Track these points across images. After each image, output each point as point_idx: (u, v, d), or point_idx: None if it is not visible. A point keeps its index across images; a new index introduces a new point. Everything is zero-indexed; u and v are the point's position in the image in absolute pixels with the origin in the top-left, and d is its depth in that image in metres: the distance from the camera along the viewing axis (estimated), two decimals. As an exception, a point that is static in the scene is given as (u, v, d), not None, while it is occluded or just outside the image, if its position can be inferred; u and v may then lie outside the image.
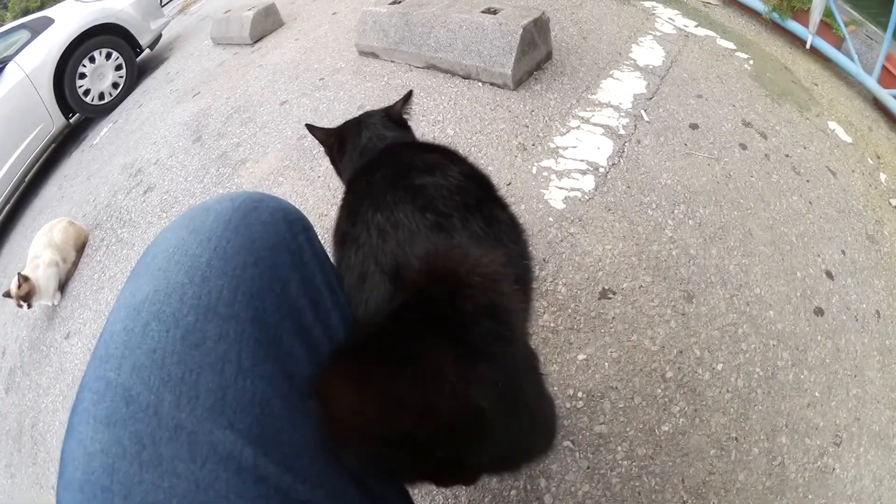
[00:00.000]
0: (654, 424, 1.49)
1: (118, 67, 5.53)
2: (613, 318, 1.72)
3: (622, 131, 2.45)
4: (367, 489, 0.69)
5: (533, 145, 2.42)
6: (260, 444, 0.56)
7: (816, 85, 3.16)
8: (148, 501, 0.47)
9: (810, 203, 2.24)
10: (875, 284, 2.04)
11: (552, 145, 2.40)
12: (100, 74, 5.36)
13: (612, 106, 2.61)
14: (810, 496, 1.44)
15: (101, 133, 5.00)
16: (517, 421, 0.75)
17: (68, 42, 5.03)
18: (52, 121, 5.04)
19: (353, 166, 1.19)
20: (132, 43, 5.70)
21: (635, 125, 2.49)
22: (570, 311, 1.75)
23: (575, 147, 2.38)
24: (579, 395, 1.55)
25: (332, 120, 3.04)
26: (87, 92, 5.24)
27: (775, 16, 3.52)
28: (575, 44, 3.14)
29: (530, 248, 1.02)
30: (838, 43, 3.35)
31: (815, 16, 3.25)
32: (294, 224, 0.74)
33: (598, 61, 2.97)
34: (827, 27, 3.36)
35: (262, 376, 0.60)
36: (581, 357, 1.63)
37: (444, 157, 1.07)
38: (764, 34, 3.59)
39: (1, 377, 2.99)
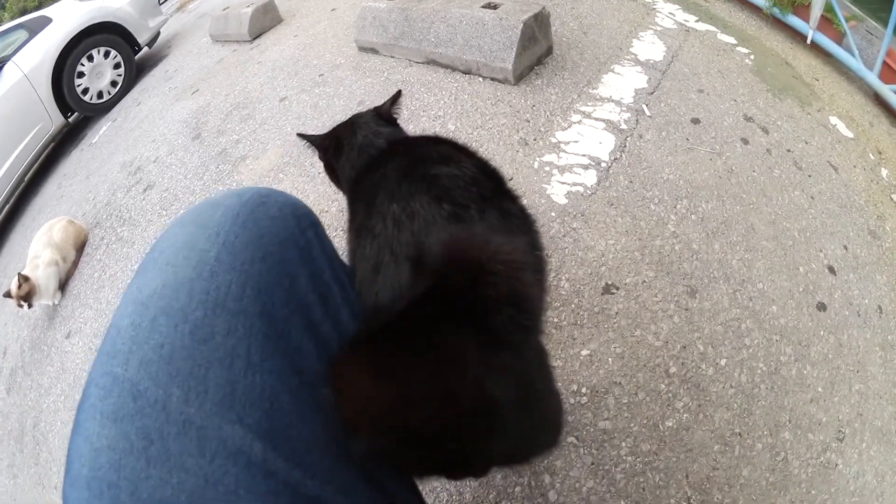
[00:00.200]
0: (657, 420, 1.49)
1: (117, 66, 5.52)
2: (617, 313, 1.72)
3: (624, 126, 2.44)
4: (376, 485, 0.69)
5: (534, 140, 2.41)
6: (269, 439, 0.55)
7: (817, 80, 3.15)
8: (155, 497, 0.47)
9: (812, 198, 2.24)
10: (877, 280, 2.04)
11: (554, 140, 2.40)
12: (98, 73, 5.34)
13: (613, 100, 2.60)
14: (813, 492, 1.44)
15: (100, 132, 4.98)
16: (529, 413, 0.74)
17: (66, 41, 5.02)
18: (51, 120, 5.04)
19: (352, 166, 1.18)
20: (130, 41, 5.69)
21: (637, 120, 2.48)
22: (573, 306, 1.74)
23: (576, 142, 2.37)
24: (583, 390, 1.54)
25: (332, 116, 3.04)
26: (85, 91, 5.23)
27: (776, 11, 3.52)
28: (575, 38, 3.13)
29: (541, 240, 1.02)
30: (839, 38, 3.35)
31: (816, 11, 3.24)
32: (302, 219, 0.74)
33: (599, 56, 2.97)
34: (828, 22, 3.36)
35: (271, 371, 0.59)
36: (585, 352, 1.63)
37: (455, 149, 1.07)
38: (764, 29, 3.58)
39: (2, 377, 2.98)
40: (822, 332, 1.79)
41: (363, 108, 2.67)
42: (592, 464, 1.41)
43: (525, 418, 0.73)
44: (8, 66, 4.75)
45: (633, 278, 1.81)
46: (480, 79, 2.90)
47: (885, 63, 3.02)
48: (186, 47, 6.07)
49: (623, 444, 1.44)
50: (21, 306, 2.87)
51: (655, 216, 2.02)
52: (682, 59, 2.95)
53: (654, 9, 3.52)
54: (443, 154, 1.01)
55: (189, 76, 4.93)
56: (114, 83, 5.51)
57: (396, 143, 1.16)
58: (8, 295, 2.86)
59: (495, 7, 2.83)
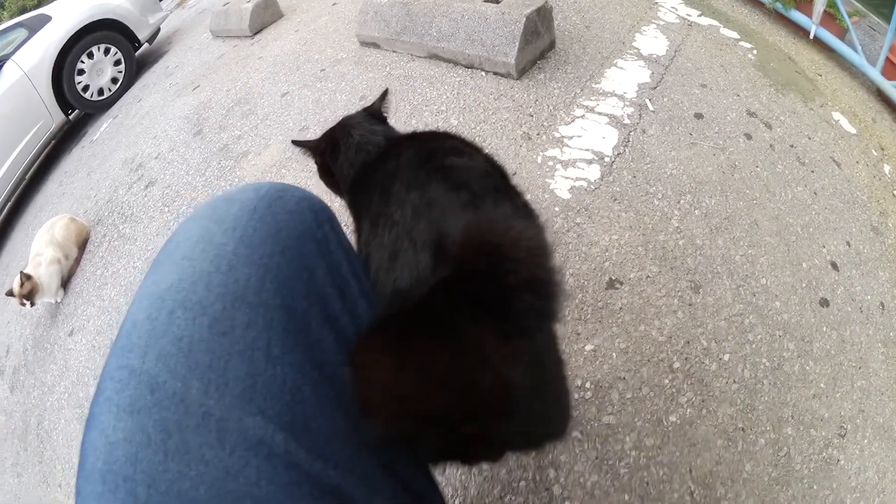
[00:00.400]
0: (661, 415, 1.49)
1: (117, 62, 5.50)
2: (621, 308, 1.72)
3: (627, 121, 2.44)
4: (395, 475, 0.69)
5: (538, 135, 2.40)
6: (290, 430, 0.55)
7: (820, 75, 3.15)
8: (174, 490, 0.46)
9: (815, 194, 2.24)
10: (880, 276, 2.04)
11: (557, 135, 2.39)
12: (98, 70, 5.33)
13: (616, 95, 2.60)
14: (815, 487, 1.44)
15: (101, 129, 4.97)
16: (543, 397, 0.75)
17: (66, 39, 5.00)
18: (52, 117, 5.03)
19: (350, 164, 1.19)
20: (130, 38, 5.66)
21: (640, 114, 2.47)
22: (577, 301, 1.74)
23: (580, 136, 2.37)
24: (587, 385, 1.55)
25: (334, 111, 3.03)
26: (86, 88, 5.22)
27: (779, 6, 3.51)
28: (578, 33, 3.12)
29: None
30: (841, 34, 3.33)
31: (819, 6, 3.24)
32: (319, 213, 0.74)
33: (602, 50, 2.96)
34: (830, 18, 3.34)
35: (291, 364, 0.59)
36: (589, 348, 1.63)
37: (464, 143, 1.08)
38: (767, 24, 3.57)
39: (6, 376, 2.98)
40: (824, 328, 1.79)
41: (365, 103, 2.69)
42: (596, 458, 1.41)
43: (540, 403, 0.74)
44: (8, 65, 4.73)
45: (636, 273, 1.81)
46: (483, 73, 2.89)
47: (888, 59, 3.01)
48: (187, 43, 6.05)
49: (627, 438, 1.45)
50: (23, 305, 2.87)
51: (659, 211, 2.01)
52: (684, 53, 2.94)
53: (657, 3, 3.50)
54: (456, 147, 1.03)
55: (190, 72, 4.91)
56: (114, 80, 5.49)
57: (405, 137, 1.17)
58: (10, 293, 2.86)
59: (497, 1, 2.83)
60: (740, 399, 1.55)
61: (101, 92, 5.37)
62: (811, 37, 3.37)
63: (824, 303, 1.86)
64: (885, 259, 2.11)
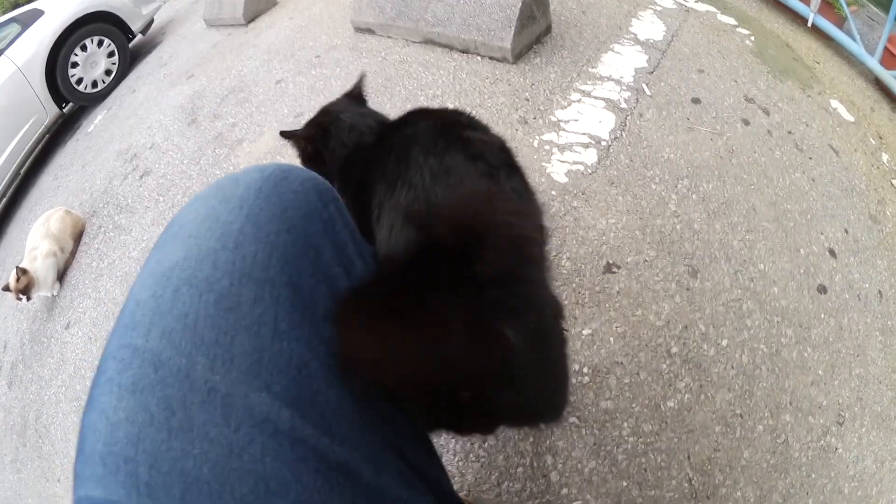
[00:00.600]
0: (659, 400, 1.48)
1: (110, 54, 5.47)
2: (618, 292, 1.70)
3: (624, 105, 2.42)
4: (402, 454, 0.68)
5: (534, 119, 2.38)
6: (297, 406, 0.54)
7: (818, 63, 3.13)
8: (176, 469, 0.45)
9: (813, 180, 2.22)
10: (878, 264, 2.03)
11: (553, 119, 2.37)
12: (92, 62, 5.30)
13: (613, 80, 2.57)
14: (813, 475, 1.44)
15: (95, 121, 4.95)
16: (541, 368, 0.75)
17: (59, 32, 4.97)
18: (46, 111, 5.02)
19: (343, 144, 1.23)
20: (124, 29, 5.62)
21: (637, 99, 2.45)
22: (574, 285, 1.72)
23: (576, 120, 2.34)
24: (585, 370, 1.53)
25: (328, 97, 2.91)
26: (79, 81, 5.19)
27: (777, -7, 3.49)
28: (574, 17, 3.10)
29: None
30: (840, 22, 3.32)
31: (817, -6, 3.23)
32: (324, 194, 0.72)
33: (599, 35, 2.93)
34: (829, 6, 3.33)
35: (298, 339, 0.57)
36: (586, 332, 1.61)
37: (474, 120, 1.11)
38: (765, 11, 3.55)
39: (3, 372, 2.98)
40: (822, 315, 1.78)
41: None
42: (594, 444, 1.40)
43: (538, 371, 0.73)
44: (1, 61, 4.72)
45: (634, 257, 1.79)
46: (479, 58, 2.86)
47: (886, 49, 3.00)
48: (181, 33, 6.00)
49: (625, 424, 1.43)
50: (20, 299, 2.86)
51: (656, 195, 1.99)
52: (681, 38, 2.92)
53: (654, -11, 3.48)
54: (472, 122, 1.07)
55: (184, 62, 4.87)
56: (108, 72, 5.46)
57: (421, 111, 1.19)
58: (6, 288, 2.86)
59: (494, -15, 2.80)
60: (738, 385, 1.54)
61: (94, 84, 5.34)
62: (809, 25, 3.36)
63: (822, 289, 1.85)
64: (883, 247, 2.10)
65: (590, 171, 2.10)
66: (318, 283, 0.64)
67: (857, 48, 3.14)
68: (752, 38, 3.07)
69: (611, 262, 1.78)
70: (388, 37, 3.37)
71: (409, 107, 2.46)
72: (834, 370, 1.66)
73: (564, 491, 1.35)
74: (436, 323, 0.63)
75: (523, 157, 2.09)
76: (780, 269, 1.85)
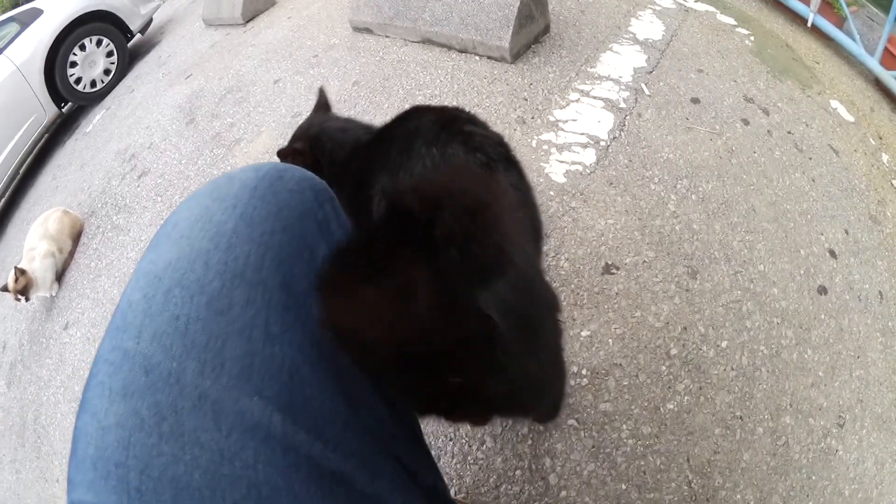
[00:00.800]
0: (658, 402, 1.47)
1: (109, 54, 5.44)
2: (617, 293, 1.69)
3: (623, 105, 2.41)
4: (397, 459, 0.68)
5: (532, 118, 2.37)
6: (289, 411, 0.53)
7: (818, 63, 3.12)
8: (167, 475, 0.44)
9: (813, 181, 2.21)
10: (878, 265, 2.02)
11: (552, 118, 2.36)
12: (91, 62, 5.27)
13: (611, 79, 2.57)
14: (814, 477, 1.43)
15: (94, 120, 4.93)
16: (532, 353, 0.73)
17: (58, 32, 4.95)
18: (45, 111, 4.99)
19: (344, 144, 1.29)
20: (122, 28, 5.59)
21: (636, 99, 2.44)
22: (573, 286, 1.71)
23: (575, 120, 2.33)
24: (583, 372, 1.52)
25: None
26: (78, 80, 5.16)
27: (776, -8, 3.49)
28: (573, 17, 3.09)
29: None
30: (840, 23, 3.32)
31: (817, -6, 3.22)
32: (320, 194, 0.72)
33: (597, 35, 2.92)
34: (828, 6, 3.33)
35: (290, 343, 0.57)
36: (585, 333, 1.60)
37: (474, 116, 1.14)
38: (764, 10, 3.54)
39: (2, 372, 2.97)
40: (822, 316, 1.77)
41: (358, 89, 2.66)
42: (593, 447, 1.39)
43: (528, 357, 0.72)
44: (0, 60, 4.70)
45: (633, 258, 1.78)
46: (477, 57, 2.85)
47: (886, 49, 3.00)
48: (179, 32, 5.99)
49: (624, 426, 1.42)
50: (18, 300, 2.85)
51: (655, 196, 1.98)
52: (681, 38, 2.91)
53: (653, -12, 3.47)
54: (472, 118, 1.09)
55: (182, 61, 4.86)
56: (107, 71, 5.43)
57: (425, 107, 1.22)
58: (5, 289, 2.85)
59: (492, -16, 2.79)
60: (738, 387, 1.53)
61: (93, 84, 5.31)
62: (809, 25, 3.35)
63: (822, 290, 1.84)
64: (884, 248, 2.09)
65: (588, 171, 2.09)
66: (311, 285, 0.63)
67: (856, 48, 3.14)
68: (752, 38, 3.07)
69: (609, 262, 1.77)
70: (386, 36, 3.37)
71: (406, 106, 2.46)
72: (834, 372, 1.65)
73: (563, 494, 1.34)
74: (402, 283, 0.61)
75: (521, 157, 2.07)
76: (780, 269, 1.84)
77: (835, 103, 2.78)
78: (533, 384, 0.78)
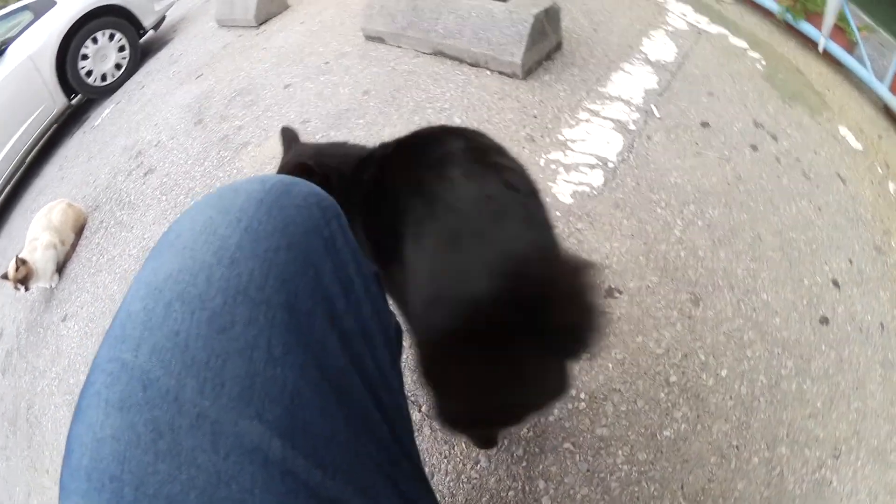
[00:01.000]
0: (655, 429, 1.47)
1: (121, 49, 5.45)
2: (619, 318, 1.69)
3: (632, 126, 2.42)
4: (396, 485, 0.67)
5: (541, 136, 2.38)
6: (289, 436, 0.53)
7: (828, 90, 3.12)
8: (163, 493, 0.44)
9: (819, 209, 2.21)
10: (880, 296, 2.02)
11: (561, 137, 2.37)
12: (102, 55, 5.28)
13: (622, 100, 2.58)
14: (807, 508, 1.42)
15: (103, 114, 4.93)
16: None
17: (71, 23, 4.96)
18: (54, 102, 5.00)
19: (348, 157, 1.29)
20: (136, 24, 5.61)
21: (646, 120, 2.45)
22: (574, 309, 1.72)
23: (584, 140, 2.34)
24: (582, 395, 1.53)
25: (336, 104, 3.01)
26: (89, 73, 5.17)
27: (788, 17, 3.48)
28: (585, 35, 3.10)
29: None
30: (851, 48, 3.32)
31: (829, 19, 3.21)
32: (327, 210, 0.70)
33: (609, 54, 2.93)
34: (840, 31, 3.32)
35: (292, 365, 0.56)
36: (584, 357, 1.60)
37: (497, 143, 1.15)
38: (776, 34, 3.54)
39: None
40: (823, 347, 1.77)
41: (368, 98, 2.66)
42: (588, 471, 1.39)
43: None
44: (12, 48, 4.71)
45: (636, 283, 1.79)
46: (488, 72, 2.86)
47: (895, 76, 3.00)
48: (192, 31, 5.99)
49: (619, 452, 1.43)
50: (18, 289, 2.85)
51: (662, 220, 1.99)
52: (692, 60, 2.92)
53: (666, 8, 3.47)
54: (499, 148, 1.10)
55: (193, 60, 4.86)
56: (118, 66, 5.44)
57: (444, 129, 1.21)
58: (5, 277, 2.84)
59: (505, 0, 2.80)
60: (736, 416, 1.53)
61: (104, 77, 5.32)
62: (820, 50, 3.35)
63: (824, 321, 1.84)
64: (887, 279, 2.09)
65: (595, 192, 2.09)
66: (315, 305, 0.62)
67: (867, 74, 3.14)
68: (763, 62, 3.07)
69: (613, 286, 1.78)
70: (399, 46, 3.38)
71: (416, 119, 2.49)
72: (833, 403, 1.65)
73: (556, 517, 1.35)
74: (519, 371, 0.84)
75: (529, 177, 2.11)
76: (783, 299, 1.84)
77: (844, 130, 2.78)
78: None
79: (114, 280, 2.71)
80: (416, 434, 0.87)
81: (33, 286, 2.92)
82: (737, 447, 1.47)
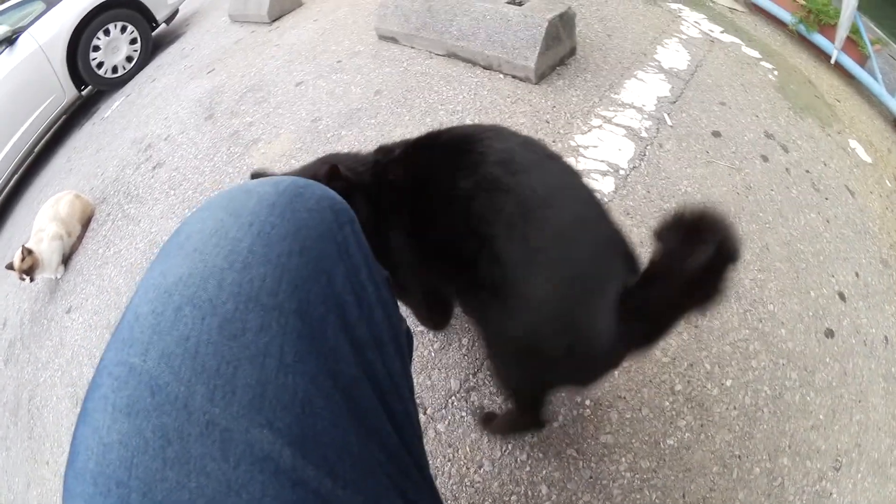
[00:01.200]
0: (659, 437, 1.48)
1: (133, 41, 5.45)
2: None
3: (644, 134, 2.42)
4: (405, 497, 0.66)
5: (553, 142, 2.38)
6: (300, 445, 0.52)
7: (839, 101, 3.13)
8: (170, 500, 0.43)
9: (828, 221, 2.22)
10: (886, 310, 2.02)
11: (573, 143, 2.37)
12: (114, 48, 5.29)
13: (634, 107, 2.58)
14: (807, 520, 1.43)
15: (113, 106, 4.94)
16: None
17: (83, 14, 4.96)
18: (64, 92, 5.00)
19: (364, 161, 1.26)
20: (148, 17, 5.61)
21: (658, 128, 2.46)
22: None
23: (596, 147, 2.35)
24: (587, 402, 1.54)
25: (348, 103, 3.02)
26: (100, 65, 5.18)
27: (801, 28, 3.49)
28: (599, 41, 3.10)
29: None
30: (862, 61, 3.33)
31: (842, 31, 3.22)
32: (340, 214, 0.69)
33: (623, 60, 2.94)
34: (852, 44, 3.33)
35: (304, 373, 0.55)
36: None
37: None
38: (789, 45, 3.55)
39: (0, 348, 2.98)
40: (827, 359, 1.78)
41: (380, 98, 2.64)
42: (591, 478, 1.41)
43: None
44: (23, 37, 4.71)
45: (644, 291, 1.79)
46: (501, 75, 2.87)
47: (907, 89, 3.00)
48: (204, 26, 6.00)
49: (623, 459, 1.44)
50: (23, 279, 2.86)
51: (671, 229, 1.98)
52: (705, 69, 2.93)
53: (680, 16, 3.48)
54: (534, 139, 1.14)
55: (205, 55, 4.87)
56: (129, 58, 5.45)
57: (501, 129, 1.21)
58: (10, 267, 2.84)
59: (521, 3, 2.81)
60: (739, 426, 1.54)
61: (115, 70, 5.32)
62: (832, 61, 3.36)
63: (829, 333, 1.85)
64: (893, 292, 2.10)
65: (606, 199, 2.10)
66: (328, 312, 0.61)
67: (878, 87, 3.14)
68: (776, 73, 3.07)
69: (620, 294, 1.78)
70: (412, 47, 3.38)
71: (428, 120, 2.50)
72: (835, 415, 1.66)
73: (558, 522, 1.36)
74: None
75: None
76: (789, 310, 1.85)
77: (854, 143, 2.79)
78: None
79: (119, 273, 2.71)
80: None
81: (38, 277, 2.93)
82: (739, 457, 1.48)
